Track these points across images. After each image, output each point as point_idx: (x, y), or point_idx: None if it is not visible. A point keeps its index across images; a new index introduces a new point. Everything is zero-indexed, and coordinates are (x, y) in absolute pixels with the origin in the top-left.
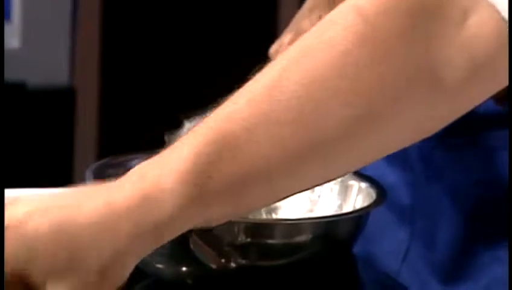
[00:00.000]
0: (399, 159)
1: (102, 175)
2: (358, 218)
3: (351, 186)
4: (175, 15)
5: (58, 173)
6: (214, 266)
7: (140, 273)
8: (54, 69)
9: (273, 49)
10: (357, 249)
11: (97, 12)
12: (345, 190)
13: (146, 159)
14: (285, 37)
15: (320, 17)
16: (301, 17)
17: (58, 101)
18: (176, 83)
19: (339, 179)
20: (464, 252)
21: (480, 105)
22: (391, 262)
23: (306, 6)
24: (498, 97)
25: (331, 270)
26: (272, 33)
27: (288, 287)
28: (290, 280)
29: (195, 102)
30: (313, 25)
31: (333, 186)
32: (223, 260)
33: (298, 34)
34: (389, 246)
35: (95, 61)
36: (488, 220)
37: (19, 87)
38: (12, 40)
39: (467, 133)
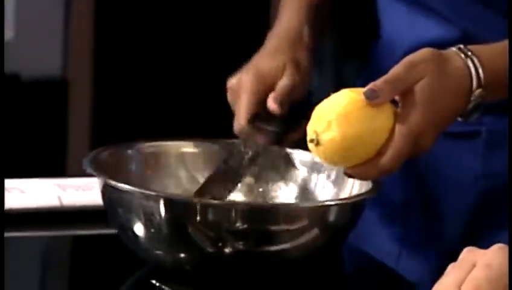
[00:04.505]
0: None
1: (99, 163)
2: (355, 205)
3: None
4: (169, 7)
5: (51, 163)
6: (211, 251)
7: (139, 260)
8: (48, 61)
9: (232, 84)
10: (350, 247)
11: (90, 4)
12: (341, 179)
13: (140, 150)
14: (246, 81)
15: (284, 62)
16: (261, 58)
17: (52, 93)
18: (169, 74)
19: (335, 168)
20: (460, 249)
21: None
22: (386, 261)
23: (267, 47)
24: None
25: (324, 266)
26: (265, 33)
27: (284, 275)
28: (285, 267)
29: (189, 93)
30: (277, 67)
31: (330, 173)
32: (220, 244)
33: (258, 74)
34: (383, 245)
35: (88, 52)
36: (485, 216)
37: (13, 79)
38: (6, 32)
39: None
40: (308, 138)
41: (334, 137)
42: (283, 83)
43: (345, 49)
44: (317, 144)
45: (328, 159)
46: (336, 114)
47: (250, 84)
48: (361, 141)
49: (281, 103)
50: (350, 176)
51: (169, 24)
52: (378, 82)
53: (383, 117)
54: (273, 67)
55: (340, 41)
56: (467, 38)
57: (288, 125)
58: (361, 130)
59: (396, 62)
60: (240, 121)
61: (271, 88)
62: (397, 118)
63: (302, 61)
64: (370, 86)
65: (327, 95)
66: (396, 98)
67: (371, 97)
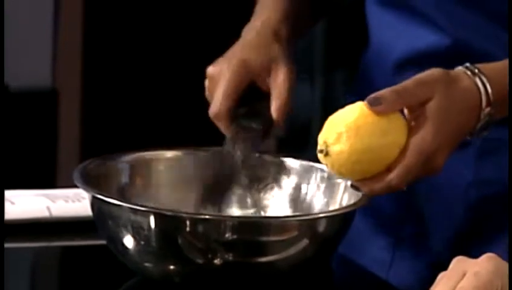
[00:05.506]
0: None
1: (89, 175)
2: (345, 216)
3: (338, 184)
4: (157, 16)
5: (41, 174)
6: (200, 262)
7: (128, 272)
8: (37, 72)
9: (211, 72)
10: (341, 256)
11: (79, 14)
12: (331, 188)
13: (130, 160)
14: (227, 69)
15: (270, 58)
16: (245, 51)
17: (41, 103)
18: (158, 84)
19: (326, 177)
20: (451, 259)
21: None
22: (377, 271)
23: (248, 40)
24: None
25: (314, 277)
26: None
27: (274, 286)
28: (275, 278)
29: (178, 102)
30: (263, 61)
31: (320, 184)
32: (209, 256)
33: (240, 68)
34: (375, 254)
35: (77, 63)
36: (476, 225)
37: (2, 90)
38: None
39: None
40: (318, 147)
41: (343, 149)
42: (283, 89)
43: (335, 58)
44: (326, 154)
45: (336, 170)
46: (346, 126)
47: (232, 73)
48: (371, 156)
49: (285, 112)
50: (357, 189)
51: (157, 34)
52: (384, 91)
53: (395, 133)
54: (259, 60)
55: (330, 50)
56: (458, 46)
57: (271, 121)
58: (370, 144)
59: (387, 71)
60: (218, 104)
61: (253, 79)
62: (410, 136)
63: (287, 57)
64: (374, 94)
65: (318, 105)
66: (406, 114)
67: (373, 104)
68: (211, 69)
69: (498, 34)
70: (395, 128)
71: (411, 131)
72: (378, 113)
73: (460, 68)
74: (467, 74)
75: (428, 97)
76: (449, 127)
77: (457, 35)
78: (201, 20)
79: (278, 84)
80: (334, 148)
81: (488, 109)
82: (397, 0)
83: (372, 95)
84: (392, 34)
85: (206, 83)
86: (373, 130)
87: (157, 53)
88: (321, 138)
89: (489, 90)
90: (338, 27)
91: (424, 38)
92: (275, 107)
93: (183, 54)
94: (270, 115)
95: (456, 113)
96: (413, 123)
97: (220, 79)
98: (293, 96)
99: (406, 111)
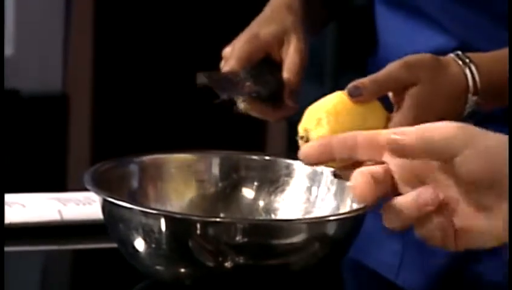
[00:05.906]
0: None
1: (100, 178)
2: (355, 218)
3: (348, 187)
4: (168, 22)
5: (52, 178)
6: (211, 264)
7: (138, 275)
8: (47, 77)
9: (225, 51)
10: (350, 260)
11: (90, 19)
12: (342, 191)
13: (141, 163)
14: (239, 41)
15: (283, 28)
16: (258, 25)
17: (52, 108)
18: (169, 88)
19: (335, 180)
20: (460, 262)
21: None
22: (386, 274)
23: (262, 16)
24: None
25: (324, 279)
26: None
27: (284, 289)
28: (285, 281)
29: (189, 105)
30: (273, 31)
31: (330, 187)
32: (220, 259)
33: (252, 39)
34: (383, 257)
35: (87, 68)
36: None
37: (13, 94)
38: (6, 47)
39: None
40: (299, 134)
41: (323, 134)
42: (293, 59)
43: (345, 61)
44: (307, 141)
45: None
46: (325, 112)
47: (244, 42)
48: None
49: (297, 82)
50: (339, 177)
51: (167, 39)
52: (365, 80)
53: (375, 118)
54: (269, 31)
55: (340, 53)
56: (465, 49)
57: (278, 86)
58: (350, 129)
59: None
60: (230, 66)
61: (267, 51)
62: (389, 122)
63: (300, 29)
64: (355, 82)
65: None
66: (391, 96)
67: (353, 94)
68: (225, 50)
69: (504, 36)
70: (375, 113)
71: (391, 116)
72: (357, 102)
73: (451, 55)
74: (457, 61)
75: (413, 82)
76: (430, 113)
77: (464, 37)
78: (211, 26)
79: (290, 54)
80: (314, 134)
81: (474, 98)
82: (403, 1)
83: (353, 84)
84: (399, 37)
85: (221, 64)
86: (352, 115)
87: (167, 57)
88: (301, 126)
89: (477, 78)
90: (348, 30)
91: (431, 40)
92: (286, 73)
93: (194, 58)
94: (277, 83)
95: (440, 99)
96: (395, 107)
97: (231, 53)
98: (303, 100)
99: (390, 94)
